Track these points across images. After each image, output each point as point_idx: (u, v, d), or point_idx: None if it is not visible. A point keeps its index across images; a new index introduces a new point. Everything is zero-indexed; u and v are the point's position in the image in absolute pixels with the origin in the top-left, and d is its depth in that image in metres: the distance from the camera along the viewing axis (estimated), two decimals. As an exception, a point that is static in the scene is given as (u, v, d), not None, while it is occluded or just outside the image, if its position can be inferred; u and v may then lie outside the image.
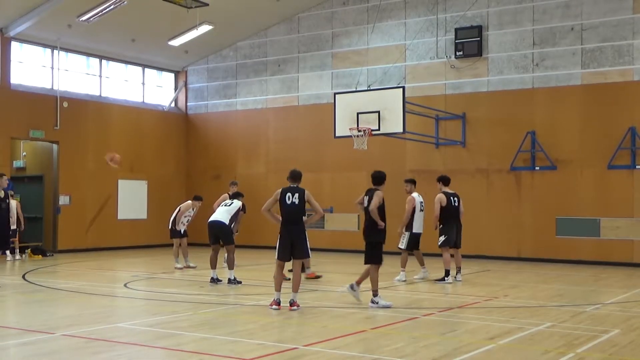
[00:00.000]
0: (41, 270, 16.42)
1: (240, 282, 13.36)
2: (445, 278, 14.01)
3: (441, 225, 14.28)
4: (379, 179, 11.14)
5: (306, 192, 10.50)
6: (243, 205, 14.55)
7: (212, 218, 13.72)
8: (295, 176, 10.69)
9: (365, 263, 10.85)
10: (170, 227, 16.82)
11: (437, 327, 9.29)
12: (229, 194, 15.49)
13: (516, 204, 19.64)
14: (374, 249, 10.76)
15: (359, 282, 10.96)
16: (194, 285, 13.54)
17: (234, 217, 13.82)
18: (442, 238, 14.23)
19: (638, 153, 18.23)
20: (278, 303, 10.22)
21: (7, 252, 19.03)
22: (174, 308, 10.59)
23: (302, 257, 10.55)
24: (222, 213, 13.66)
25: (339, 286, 12.25)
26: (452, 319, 9.92)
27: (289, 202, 10.39)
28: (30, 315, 10.04)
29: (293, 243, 10.37)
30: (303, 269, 15.46)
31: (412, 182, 14.95)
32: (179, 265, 16.49)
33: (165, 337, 8.40)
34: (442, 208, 14.18)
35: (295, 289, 10.36)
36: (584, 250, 18.74)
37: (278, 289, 10.39)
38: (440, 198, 14.27)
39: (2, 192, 12.28)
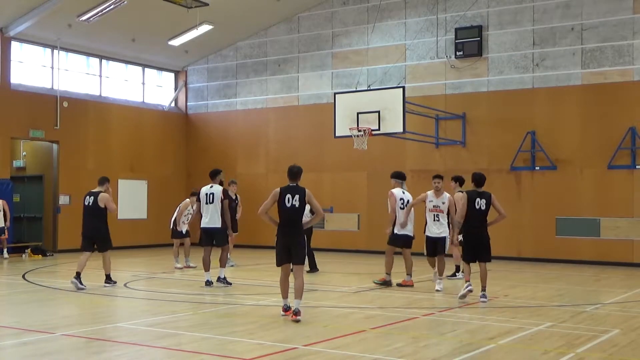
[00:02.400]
0: (41, 270, 16.42)
1: (230, 284, 13.13)
2: (457, 274, 14.43)
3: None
4: (482, 181, 11.79)
5: (307, 191, 9.70)
6: (224, 191, 13.39)
7: (205, 224, 13.19)
8: (295, 174, 9.80)
9: (487, 261, 11.67)
10: (171, 228, 16.79)
11: (437, 327, 9.30)
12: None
13: (516, 204, 19.62)
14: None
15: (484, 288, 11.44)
16: (194, 285, 13.52)
17: (223, 211, 13.15)
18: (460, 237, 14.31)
19: (638, 153, 18.23)
20: (287, 309, 9.66)
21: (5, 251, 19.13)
22: (174, 308, 10.59)
23: (301, 263, 9.73)
24: (213, 215, 13.14)
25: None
26: (452, 319, 9.92)
27: (288, 204, 9.59)
28: (30, 315, 10.04)
29: (291, 247, 9.61)
30: (314, 267, 15.36)
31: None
32: (178, 265, 16.47)
33: (165, 337, 8.40)
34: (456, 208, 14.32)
35: (299, 296, 9.58)
36: (584, 250, 18.74)
37: (285, 295, 9.76)
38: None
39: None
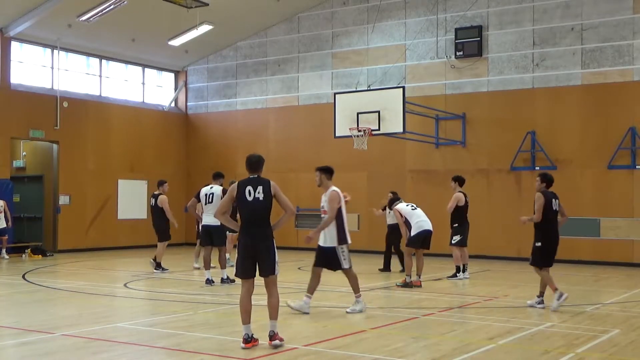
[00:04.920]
0: (41, 270, 16.43)
1: (233, 281, 13.28)
2: (457, 274, 14.52)
3: (456, 225, 14.46)
4: (553, 181, 10.98)
5: (272, 184, 7.92)
6: (224, 190, 13.46)
7: (205, 222, 13.50)
8: (254, 163, 7.96)
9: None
10: (197, 230, 17.03)
11: (436, 327, 9.29)
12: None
13: (516, 204, 19.60)
14: None
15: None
16: (194, 285, 13.54)
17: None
18: (457, 237, 14.41)
19: (638, 153, 18.23)
20: (248, 340, 7.66)
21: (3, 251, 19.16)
22: (174, 308, 10.59)
23: (271, 273, 7.82)
24: (212, 214, 13.27)
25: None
26: (452, 319, 9.92)
27: (250, 198, 7.76)
28: (30, 315, 10.04)
29: (257, 254, 7.77)
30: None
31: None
32: (196, 265, 16.55)
33: (165, 337, 8.41)
34: (457, 207, 14.45)
35: (275, 316, 7.79)
36: (584, 250, 18.73)
37: (246, 320, 7.73)
38: (457, 197, 14.58)
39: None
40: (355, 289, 10.16)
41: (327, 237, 9.95)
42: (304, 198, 21.48)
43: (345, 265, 9.98)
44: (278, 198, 7.93)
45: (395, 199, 14.57)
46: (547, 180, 10.93)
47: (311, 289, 10.09)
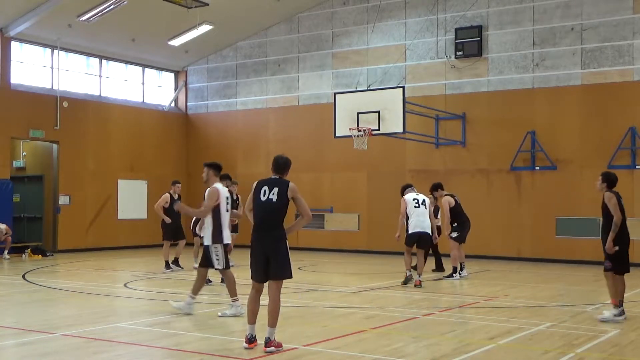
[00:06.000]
0: (41, 270, 16.42)
1: None
2: (454, 274, 14.49)
3: (455, 224, 14.52)
4: (615, 180, 9.98)
5: (291, 186, 7.67)
6: (231, 193, 12.87)
7: None
8: (281, 165, 7.80)
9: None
10: (192, 229, 16.92)
11: (436, 327, 9.29)
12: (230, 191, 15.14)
13: (516, 204, 19.63)
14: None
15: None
16: (194, 285, 13.53)
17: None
18: (455, 233, 14.49)
19: (638, 153, 18.23)
20: (251, 340, 7.61)
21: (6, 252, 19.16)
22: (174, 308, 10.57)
23: (281, 277, 7.61)
24: None
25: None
26: (452, 319, 9.92)
27: (263, 198, 7.61)
28: (30, 315, 10.04)
29: (268, 256, 7.57)
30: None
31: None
32: (196, 265, 16.49)
33: (165, 337, 8.41)
34: (451, 210, 14.53)
35: (273, 323, 7.52)
36: (584, 250, 18.72)
37: (252, 320, 7.67)
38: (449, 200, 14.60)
39: (177, 195, 16.21)
40: (231, 292, 9.91)
41: (205, 236, 9.82)
42: (303, 198, 21.44)
43: (217, 266, 9.77)
44: (296, 201, 7.68)
45: (407, 186, 14.06)
46: (608, 180, 10.05)
47: (195, 290, 10.02)
